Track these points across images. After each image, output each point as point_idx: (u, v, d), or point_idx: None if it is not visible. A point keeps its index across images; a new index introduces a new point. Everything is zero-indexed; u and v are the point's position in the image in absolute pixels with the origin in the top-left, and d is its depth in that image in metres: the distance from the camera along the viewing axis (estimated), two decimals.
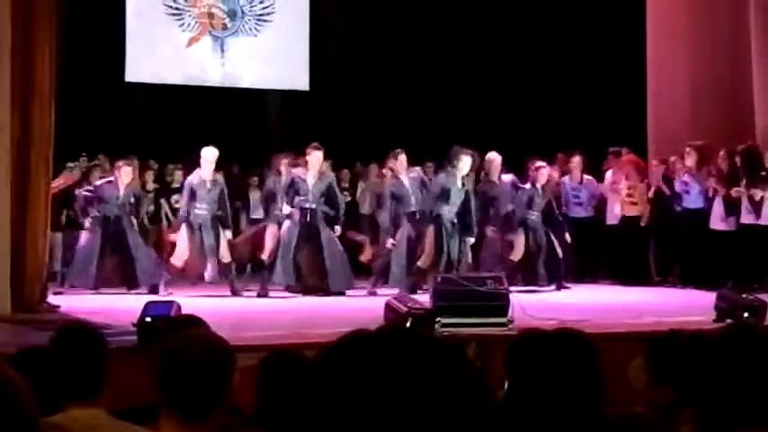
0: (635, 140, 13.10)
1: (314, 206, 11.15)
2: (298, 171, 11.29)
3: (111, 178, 11.63)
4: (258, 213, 13.42)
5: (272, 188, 11.85)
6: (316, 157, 11.28)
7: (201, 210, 11.30)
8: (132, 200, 11.65)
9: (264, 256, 11.55)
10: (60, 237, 12.39)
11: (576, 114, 15.34)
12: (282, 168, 11.76)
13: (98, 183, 11.77)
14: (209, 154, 11.39)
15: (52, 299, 9.74)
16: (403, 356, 1.07)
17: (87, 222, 11.58)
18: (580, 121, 15.08)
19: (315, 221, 11.19)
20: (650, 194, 12.29)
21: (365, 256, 12.73)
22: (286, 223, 11.20)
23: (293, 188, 11.19)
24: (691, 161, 11.78)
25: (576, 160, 13.04)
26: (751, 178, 11.17)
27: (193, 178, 11.44)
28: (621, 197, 12.52)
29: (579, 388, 2.47)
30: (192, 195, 11.32)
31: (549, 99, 15.81)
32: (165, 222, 13.48)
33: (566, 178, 13.08)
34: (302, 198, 11.15)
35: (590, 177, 13.10)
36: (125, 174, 11.56)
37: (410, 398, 1.04)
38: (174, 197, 13.17)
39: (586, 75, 15.54)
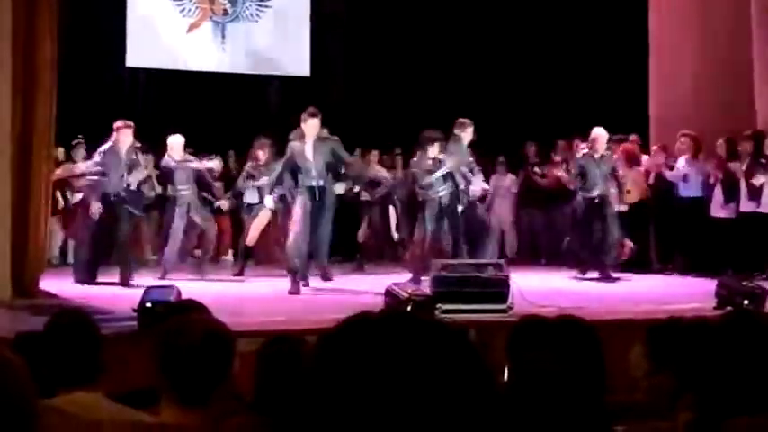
0: (637, 128, 13.07)
1: (321, 183, 10.14)
2: (294, 145, 10.22)
3: (112, 143, 10.82)
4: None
5: (251, 173, 11.88)
6: (312, 125, 10.12)
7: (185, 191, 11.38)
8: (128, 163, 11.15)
9: (249, 243, 11.75)
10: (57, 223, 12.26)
11: (578, 102, 15.30)
12: (261, 153, 11.76)
13: (101, 149, 10.88)
14: (176, 142, 11.53)
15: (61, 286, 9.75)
16: (407, 340, 1.07)
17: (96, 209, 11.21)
18: (582, 108, 15.04)
19: (323, 200, 10.13)
20: (651, 180, 12.28)
21: (361, 236, 12.84)
22: (297, 211, 10.14)
23: (291, 167, 10.29)
24: (685, 150, 11.80)
25: (580, 146, 13.01)
26: (753, 164, 11.17)
27: (168, 162, 11.46)
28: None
29: (581, 374, 2.47)
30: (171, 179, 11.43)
31: (551, 86, 15.78)
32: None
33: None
34: (306, 176, 10.14)
35: None
36: (124, 135, 10.85)
37: (415, 381, 1.04)
38: None
39: (589, 62, 15.50)
